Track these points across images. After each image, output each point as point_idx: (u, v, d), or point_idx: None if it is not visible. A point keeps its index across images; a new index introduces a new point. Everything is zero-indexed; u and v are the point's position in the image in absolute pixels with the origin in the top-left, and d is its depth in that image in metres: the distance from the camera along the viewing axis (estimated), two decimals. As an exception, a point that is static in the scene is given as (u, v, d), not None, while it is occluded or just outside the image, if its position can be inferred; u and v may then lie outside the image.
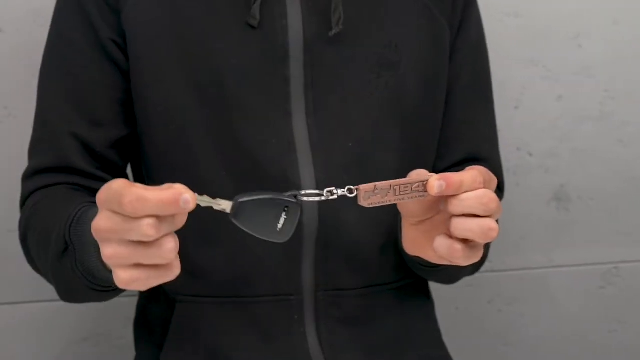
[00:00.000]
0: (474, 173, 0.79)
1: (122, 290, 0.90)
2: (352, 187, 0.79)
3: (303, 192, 0.78)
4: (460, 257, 0.80)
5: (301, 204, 0.77)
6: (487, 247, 1.06)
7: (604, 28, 1.41)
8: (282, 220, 0.75)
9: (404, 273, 1.07)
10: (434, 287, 1.17)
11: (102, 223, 0.72)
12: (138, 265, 0.72)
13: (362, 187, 0.78)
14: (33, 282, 1.36)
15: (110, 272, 0.76)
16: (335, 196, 0.79)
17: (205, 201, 0.73)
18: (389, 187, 0.78)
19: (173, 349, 1.05)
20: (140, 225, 0.69)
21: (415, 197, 0.79)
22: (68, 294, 0.96)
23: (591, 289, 1.50)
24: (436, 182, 0.78)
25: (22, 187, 1.06)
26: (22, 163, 1.28)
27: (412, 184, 0.79)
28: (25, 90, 1.28)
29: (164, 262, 0.72)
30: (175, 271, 0.73)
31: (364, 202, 0.79)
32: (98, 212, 0.73)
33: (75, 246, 0.87)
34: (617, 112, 1.44)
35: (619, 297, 1.51)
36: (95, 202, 0.75)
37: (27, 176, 1.05)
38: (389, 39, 1.02)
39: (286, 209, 0.76)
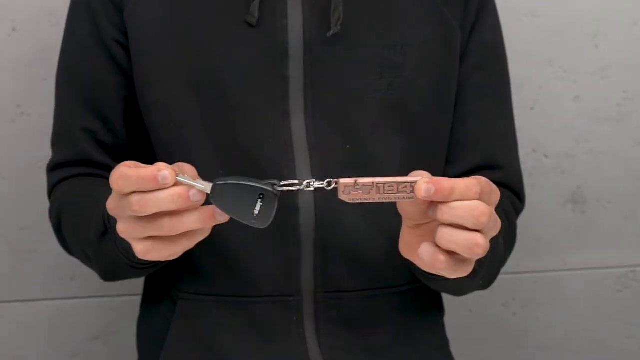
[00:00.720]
0: (470, 181, 0.74)
1: (159, 265, 0.97)
2: (331, 179, 0.78)
3: (283, 183, 0.78)
4: (444, 269, 0.76)
5: (278, 193, 0.77)
6: (501, 261, 1.04)
7: (621, 28, 1.40)
8: (258, 207, 0.77)
9: (410, 277, 1.04)
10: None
11: (109, 202, 0.80)
12: (150, 238, 0.78)
13: (342, 180, 0.76)
14: (45, 279, 1.37)
15: None
16: (312, 188, 0.78)
17: (186, 180, 0.77)
18: (372, 184, 0.76)
19: (174, 347, 1.05)
20: (127, 201, 0.76)
21: (402, 198, 0.76)
22: (109, 273, 1.00)
23: (607, 292, 1.48)
24: (424, 185, 0.74)
25: (47, 178, 1.10)
26: (33, 162, 1.29)
27: (399, 183, 0.75)
28: (38, 89, 1.29)
29: (160, 235, 0.77)
30: (184, 243, 0.78)
31: (344, 197, 0.76)
32: None
33: (114, 228, 0.88)
34: (635, 113, 1.42)
35: (635, 300, 1.49)
36: None
37: (51, 168, 1.09)
38: (394, 39, 1.00)
39: (262, 196, 0.77)
